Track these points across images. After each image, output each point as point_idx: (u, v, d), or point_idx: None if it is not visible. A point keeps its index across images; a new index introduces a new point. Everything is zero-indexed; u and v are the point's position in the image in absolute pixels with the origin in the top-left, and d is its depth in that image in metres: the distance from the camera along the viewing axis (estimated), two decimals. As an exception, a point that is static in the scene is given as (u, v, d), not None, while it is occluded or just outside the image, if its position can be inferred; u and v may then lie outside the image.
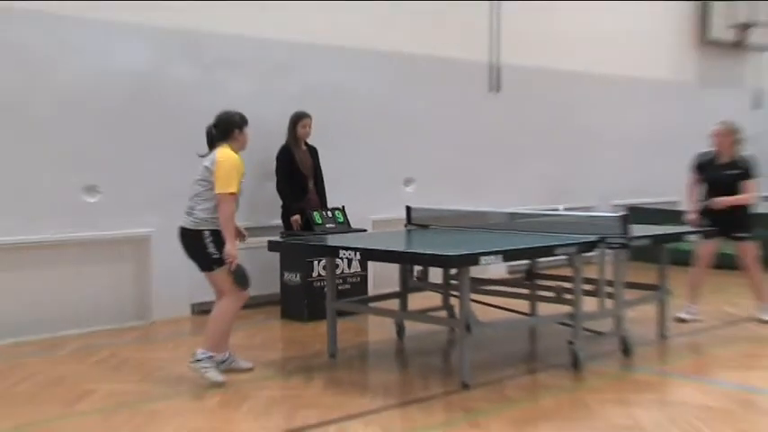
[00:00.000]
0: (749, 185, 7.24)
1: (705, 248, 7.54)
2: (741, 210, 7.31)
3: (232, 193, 5.43)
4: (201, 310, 7.95)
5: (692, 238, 7.40)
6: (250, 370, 5.85)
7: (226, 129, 5.63)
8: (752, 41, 13.60)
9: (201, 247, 5.51)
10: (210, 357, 5.51)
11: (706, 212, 7.39)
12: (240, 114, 5.72)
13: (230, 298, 5.64)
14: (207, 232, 5.49)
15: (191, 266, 7.81)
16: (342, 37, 8.89)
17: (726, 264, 8.12)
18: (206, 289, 7.83)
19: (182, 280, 7.84)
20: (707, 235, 7.28)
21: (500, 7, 10.30)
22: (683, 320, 7.40)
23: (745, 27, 13.40)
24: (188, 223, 5.57)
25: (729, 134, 7.32)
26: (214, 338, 5.58)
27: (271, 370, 6.01)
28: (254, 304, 8.13)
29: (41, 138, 7.13)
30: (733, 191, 7.26)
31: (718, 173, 7.32)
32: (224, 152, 5.52)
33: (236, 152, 5.60)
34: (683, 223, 7.73)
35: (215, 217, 5.47)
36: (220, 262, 5.50)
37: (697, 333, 7.11)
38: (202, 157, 5.64)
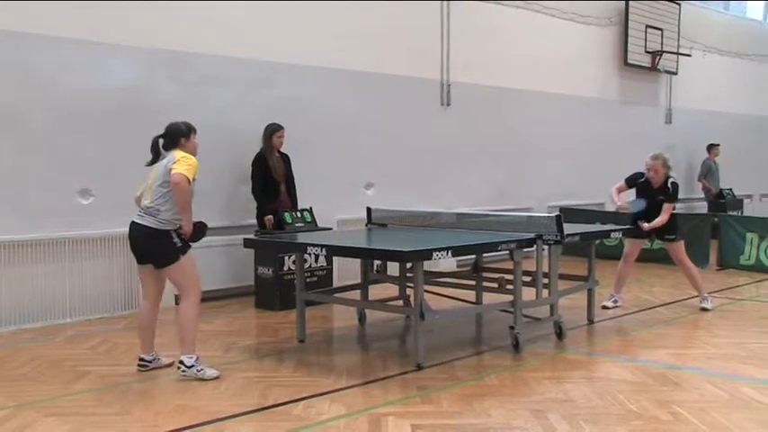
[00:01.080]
0: (668, 207, 7.31)
1: (634, 246, 7.66)
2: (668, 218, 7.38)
3: (185, 177, 4.99)
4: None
5: (616, 235, 7.48)
6: (170, 365, 5.45)
7: (173, 138, 5.26)
8: (663, 66, 13.86)
9: (168, 244, 5.14)
10: (197, 359, 5.17)
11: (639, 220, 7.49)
12: (186, 124, 5.36)
13: (188, 299, 5.22)
14: (174, 233, 5.15)
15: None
16: (312, 57, 8.85)
17: (643, 257, 8.25)
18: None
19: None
20: (634, 234, 7.38)
21: (450, 32, 10.37)
22: (606, 308, 7.51)
23: (657, 54, 13.65)
24: (152, 223, 5.12)
25: (662, 167, 7.34)
26: (191, 341, 5.19)
27: (246, 354, 5.97)
28: (230, 295, 8.14)
29: (41, 146, 7.00)
30: (660, 209, 7.34)
31: (653, 198, 7.35)
32: (183, 153, 5.17)
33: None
34: (606, 222, 7.84)
35: (179, 219, 5.13)
36: (182, 250, 5.16)
37: (619, 318, 7.21)
38: (150, 165, 5.27)
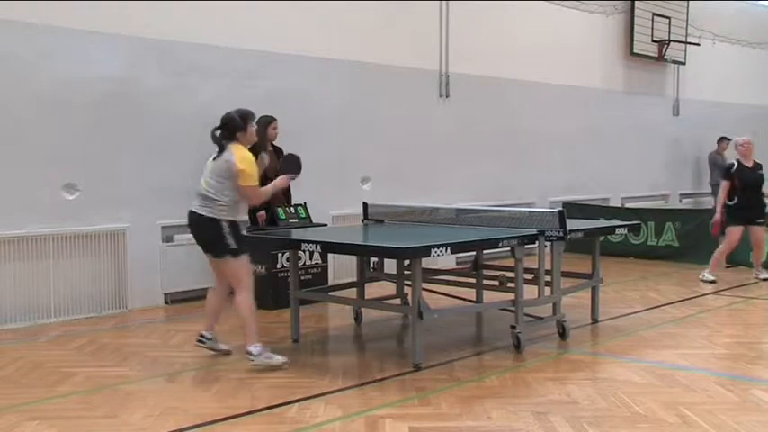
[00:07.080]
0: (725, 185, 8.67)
1: (735, 234, 8.52)
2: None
3: (254, 186, 5.45)
4: (174, 299, 7.89)
5: (620, 231, 7.47)
6: (228, 353, 5.86)
7: (230, 131, 5.50)
8: (670, 55, 13.87)
9: (220, 236, 5.44)
10: (263, 347, 5.50)
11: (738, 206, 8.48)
12: (242, 114, 5.54)
13: (241, 293, 5.57)
14: (225, 223, 5.44)
15: (164, 259, 7.83)
16: (305, 47, 8.85)
17: (649, 255, 8.27)
18: (178, 280, 7.85)
19: (155, 271, 7.78)
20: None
21: (449, 21, 10.37)
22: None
23: (664, 43, 13.66)
24: (207, 212, 5.44)
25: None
26: (252, 331, 5.52)
27: (239, 354, 5.95)
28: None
29: (23, 139, 6.99)
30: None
31: (752, 177, 8.41)
32: (239, 151, 5.42)
33: (246, 147, 5.54)
34: (610, 218, 7.87)
35: (234, 210, 5.49)
36: (235, 253, 5.47)
37: (624, 317, 7.22)
38: (216, 158, 5.47)
